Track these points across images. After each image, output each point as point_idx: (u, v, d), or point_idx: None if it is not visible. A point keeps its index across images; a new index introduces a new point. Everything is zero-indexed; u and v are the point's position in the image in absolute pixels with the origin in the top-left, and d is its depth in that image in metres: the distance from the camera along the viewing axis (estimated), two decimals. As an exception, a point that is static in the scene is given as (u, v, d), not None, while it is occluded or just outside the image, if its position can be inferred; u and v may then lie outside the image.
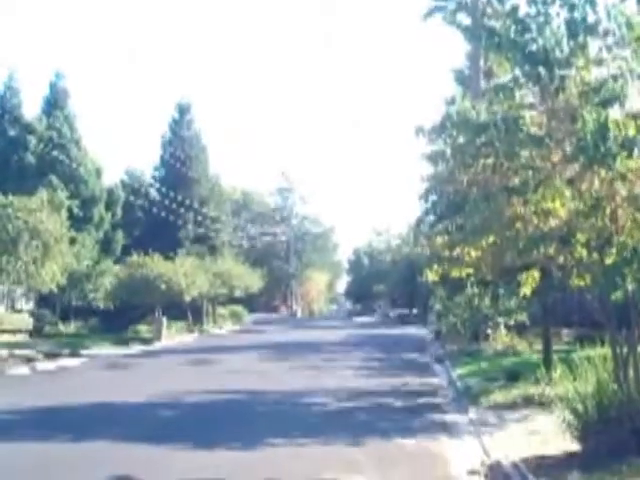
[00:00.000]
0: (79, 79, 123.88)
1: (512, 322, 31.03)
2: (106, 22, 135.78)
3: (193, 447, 12.25)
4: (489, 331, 31.97)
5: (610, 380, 10.39)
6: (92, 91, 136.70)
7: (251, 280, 62.11)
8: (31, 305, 45.05)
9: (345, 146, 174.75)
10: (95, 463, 10.99)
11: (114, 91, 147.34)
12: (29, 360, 27.05)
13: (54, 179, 48.57)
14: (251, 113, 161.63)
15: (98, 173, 55.02)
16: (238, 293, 59.47)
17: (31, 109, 55.64)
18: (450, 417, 15.94)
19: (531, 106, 10.17)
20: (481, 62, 26.84)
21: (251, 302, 69.76)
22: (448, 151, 10.60)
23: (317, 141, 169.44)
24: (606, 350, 11.21)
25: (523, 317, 29.66)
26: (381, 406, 17.77)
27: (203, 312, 55.38)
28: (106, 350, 33.73)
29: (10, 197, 28.47)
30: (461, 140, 10.52)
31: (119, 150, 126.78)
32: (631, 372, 9.99)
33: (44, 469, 10.63)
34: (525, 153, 9.71)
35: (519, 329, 30.68)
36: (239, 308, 65.82)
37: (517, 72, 10.25)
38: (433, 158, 10.91)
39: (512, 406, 15.86)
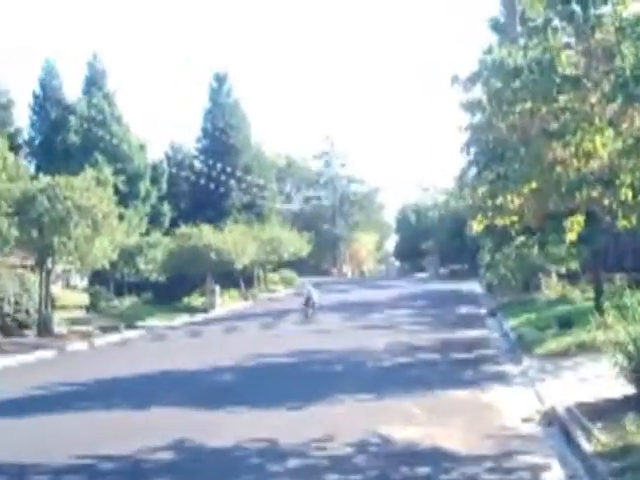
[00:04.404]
0: (117, 56, 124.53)
1: (563, 270, 30.71)
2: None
3: (251, 408, 12.46)
4: (540, 280, 31.70)
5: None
6: (131, 67, 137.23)
7: (299, 244, 62.29)
8: (86, 282, 45.86)
9: (386, 103, 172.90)
10: (160, 427, 11.25)
11: (153, 66, 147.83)
12: (87, 336, 27.65)
13: (99, 157, 49.17)
14: (290, 78, 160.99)
15: (142, 148, 55.49)
16: (287, 258, 59.74)
17: (71, 91, 56.30)
18: (504, 367, 15.95)
19: (566, 47, 9.93)
20: (517, 7, 26.22)
21: (300, 266, 69.89)
22: (484, 98, 10.43)
23: (358, 101, 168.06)
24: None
25: (574, 264, 29.31)
26: (436, 360, 17.84)
27: (254, 279, 55.81)
28: (160, 322, 34.29)
29: (57, 177, 28.84)
30: (497, 86, 10.34)
31: (162, 125, 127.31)
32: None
33: (114, 434, 10.91)
34: (563, 96, 9.51)
35: (571, 277, 30.35)
36: (289, 273, 66.15)
37: (550, 13, 10.01)
38: (470, 107, 10.75)
39: (565, 353, 15.79)
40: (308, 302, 30.59)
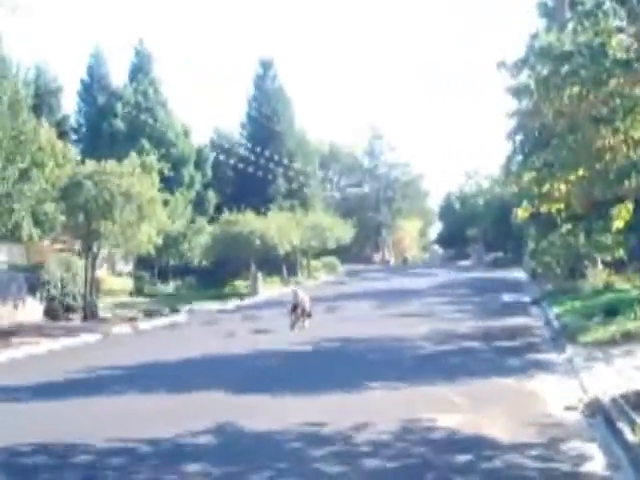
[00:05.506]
0: (161, 42, 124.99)
1: (609, 258, 30.23)
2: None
3: (292, 393, 12.52)
4: (586, 268, 31.26)
5: None
6: (175, 53, 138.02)
7: (342, 231, 62.31)
8: (130, 267, 46.46)
9: (431, 90, 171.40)
10: (205, 410, 11.36)
11: (198, 52, 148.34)
12: (131, 319, 28.01)
13: (144, 142, 49.61)
14: (335, 64, 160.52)
15: (186, 134, 55.86)
16: (330, 245, 59.83)
17: (118, 77, 56.92)
18: (547, 356, 15.78)
19: (618, 30, 9.73)
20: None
21: (343, 253, 69.87)
22: (532, 84, 10.28)
23: (403, 87, 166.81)
24: None
25: (620, 253, 28.84)
26: (479, 348, 17.72)
27: (297, 265, 55.96)
28: (204, 307, 34.55)
29: (103, 163, 29.19)
30: (545, 72, 10.19)
31: (207, 111, 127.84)
32: None
33: (154, 418, 11.04)
34: (613, 80, 9.33)
35: (617, 265, 29.88)
36: (332, 259, 66.21)
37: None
38: (517, 92, 10.62)
39: (610, 342, 15.56)
40: (295, 309, 24.05)
